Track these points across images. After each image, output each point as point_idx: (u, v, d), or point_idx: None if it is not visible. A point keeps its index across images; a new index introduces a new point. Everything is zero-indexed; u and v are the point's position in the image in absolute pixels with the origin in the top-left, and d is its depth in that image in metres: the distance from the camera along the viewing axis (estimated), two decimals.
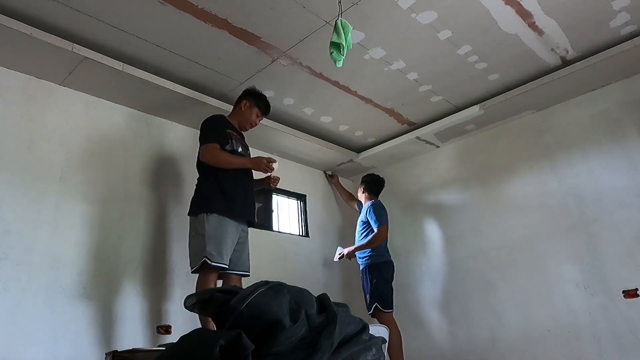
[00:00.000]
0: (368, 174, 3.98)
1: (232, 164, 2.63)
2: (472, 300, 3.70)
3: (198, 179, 2.69)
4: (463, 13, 2.65)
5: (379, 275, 3.44)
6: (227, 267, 2.47)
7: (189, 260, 2.54)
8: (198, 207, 2.55)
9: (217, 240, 2.43)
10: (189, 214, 2.61)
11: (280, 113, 3.62)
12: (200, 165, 2.68)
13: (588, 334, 3.06)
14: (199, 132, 2.74)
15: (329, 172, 4.66)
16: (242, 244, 2.65)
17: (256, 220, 2.78)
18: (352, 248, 3.65)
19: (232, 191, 2.57)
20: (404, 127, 4.04)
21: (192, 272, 2.49)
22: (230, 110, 2.95)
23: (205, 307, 1.47)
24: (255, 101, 2.88)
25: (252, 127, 2.93)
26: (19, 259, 2.39)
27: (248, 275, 2.66)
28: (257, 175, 2.87)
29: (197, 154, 2.75)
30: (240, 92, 2.94)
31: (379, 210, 3.58)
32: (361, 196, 3.88)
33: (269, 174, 2.80)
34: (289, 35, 2.74)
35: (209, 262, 2.37)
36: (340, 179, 4.79)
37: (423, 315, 3.97)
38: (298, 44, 2.81)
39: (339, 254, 3.75)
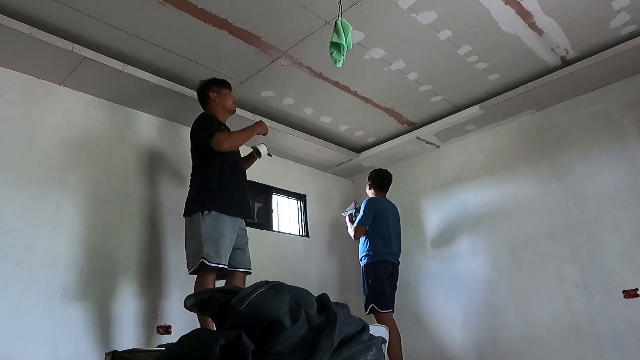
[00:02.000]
0: (374, 170, 3.90)
1: (246, 137, 2.70)
2: (472, 300, 3.70)
3: (192, 180, 2.67)
4: (463, 13, 2.65)
5: (375, 275, 3.42)
6: (227, 267, 2.46)
7: (186, 262, 2.53)
8: (193, 207, 2.53)
9: (214, 240, 2.42)
10: (184, 215, 2.60)
11: (280, 113, 3.62)
12: (197, 164, 2.68)
13: (588, 334, 3.06)
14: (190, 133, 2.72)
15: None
16: (241, 242, 2.64)
17: (254, 216, 2.77)
18: (348, 224, 3.81)
19: (228, 187, 2.57)
20: (404, 127, 4.04)
21: (189, 274, 2.49)
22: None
23: (205, 307, 1.47)
24: (217, 85, 2.79)
25: (232, 112, 2.86)
26: (19, 259, 2.39)
27: (250, 273, 2.66)
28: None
29: (192, 155, 2.74)
30: (202, 90, 2.81)
31: (367, 209, 3.56)
32: (368, 192, 3.82)
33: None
34: (289, 35, 2.74)
35: (207, 262, 2.36)
36: (340, 179, 4.79)
37: (423, 315, 3.97)
38: (298, 44, 2.81)
39: (348, 214, 3.89)
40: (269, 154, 3.02)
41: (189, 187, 2.66)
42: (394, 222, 3.66)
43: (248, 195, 2.79)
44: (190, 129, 2.71)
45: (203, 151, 2.61)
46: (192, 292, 2.37)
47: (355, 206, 3.87)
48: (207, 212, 2.46)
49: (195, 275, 2.48)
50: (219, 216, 2.47)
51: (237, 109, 2.94)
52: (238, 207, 2.61)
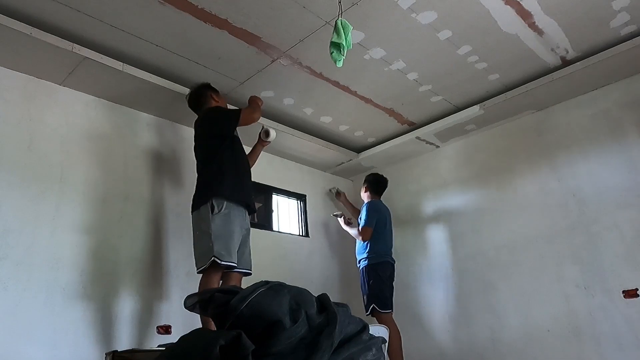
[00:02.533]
0: (371, 174, 4.01)
1: (259, 109, 2.93)
2: (472, 300, 3.70)
3: (198, 175, 2.69)
4: (463, 13, 2.64)
5: (376, 276, 3.46)
6: (236, 265, 2.48)
7: (194, 261, 2.52)
8: (201, 199, 2.55)
9: (225, 238, 2.44)
10: (192, 211, 2.61)
11: (280, 113, 3.62)
12: (202, 157, 2.70)
13: (588, 334, 3.06)
14: (202, 126, 2.75)
15: (335, 189, 4.50)
16: (244, 242, 2.65)
17: (256, 211, 2.81)
18: (345, 227, 3.91)
19: (235, 177, 2.61)
20: (404, 127, 4.03)
21: (198, 272, 2.49)
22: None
23: (205, 307, 1.47)
24: (214, 90, 2.93)
25: None
26: (19, 259, 2.39)
27: (250, 274, 2.66)
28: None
29: (198, 150, 2.76)
30: (205, 91, 2.91)
31: (371, 212, 3.64)
32: (363, 195, 3.90)
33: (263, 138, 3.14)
34: (289, 35, 2.74)
35: (219, 261, 2.37)
36: (340, 179, 4.79)
37: (423, 315, 3.97)
38: (298, 44, 2.81)
39: (339, 216, 4.02)
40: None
41: (195, 185, 2.68)
42: (389, 225, 3.74)
43: (252, 189, 2.83)
44: (192, 128, 2.73)
45: (212, 143, 2.66)
46: (193, 291, 2.36)
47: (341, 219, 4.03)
48: (217, 211, 2.47)
49: (195, 274, 2.49)
50: (227, 215, 2.50)
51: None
52: (243, 196, 2.63)
